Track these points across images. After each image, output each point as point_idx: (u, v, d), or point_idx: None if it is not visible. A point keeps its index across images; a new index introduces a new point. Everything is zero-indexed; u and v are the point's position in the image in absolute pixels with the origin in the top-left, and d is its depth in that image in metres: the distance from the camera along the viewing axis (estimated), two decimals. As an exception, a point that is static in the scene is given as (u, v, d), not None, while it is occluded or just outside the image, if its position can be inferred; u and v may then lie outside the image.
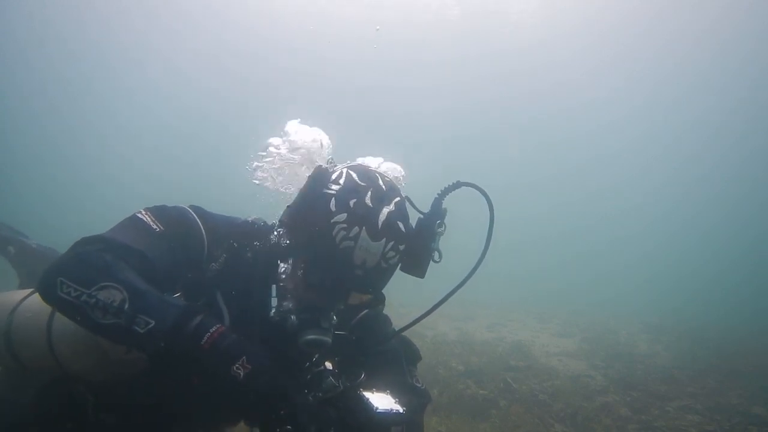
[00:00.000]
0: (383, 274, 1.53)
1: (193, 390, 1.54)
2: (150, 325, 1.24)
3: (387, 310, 1.97)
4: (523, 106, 32.65)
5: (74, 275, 1.31)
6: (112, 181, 39.70)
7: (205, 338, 1.26)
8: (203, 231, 1.58)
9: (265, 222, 1.77)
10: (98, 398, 1.64)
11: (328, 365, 1.69)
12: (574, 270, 31.04)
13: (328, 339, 1.51)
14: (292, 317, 1.51)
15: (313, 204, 1.51)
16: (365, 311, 1.85)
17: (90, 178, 40.51)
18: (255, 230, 1.71)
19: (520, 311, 13.48)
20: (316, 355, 1.64)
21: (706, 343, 9.25)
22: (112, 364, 1.50)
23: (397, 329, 1.91)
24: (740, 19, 22.33)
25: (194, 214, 1.61)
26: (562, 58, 28.10)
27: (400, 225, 1.52)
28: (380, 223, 1.47)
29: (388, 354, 1.85)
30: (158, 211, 1.57)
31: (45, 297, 1.35)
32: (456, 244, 1.75)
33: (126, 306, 1.25)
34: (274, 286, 1.58)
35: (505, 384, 6.10)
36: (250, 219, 1.76)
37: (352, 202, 1.48)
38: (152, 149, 38.31)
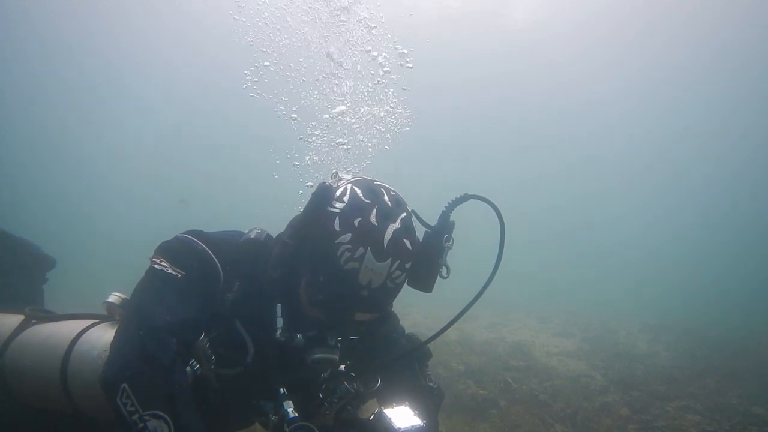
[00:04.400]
0: (389, 293, 1.51)
1: (213, 420, 1.55)
2: None
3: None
4: (523, 106, 32.68)
5: (137, 390, 1.30)
6: (111, 181, 39.70)
7: None
8: (218, 263, 1.56)
9: (268, 234, 1.73)
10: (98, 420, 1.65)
11: (342, 368, 1.70)
12: (574, 270, 31.04)
13: (335, 356, 1.52)
14: (299, 336, 1.51)
15: (316, 223, 1.48)
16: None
17: (90, 179, 40.50)
18: (262, 250, 1.67)
19: (520, 311, 13.47)
20: (329, 369, 1.64)
21: (706, 343, 9.25)
22: None
23: (406, 332, 1.93)
24: (739, 22, 22.34)
25: (203, 245, 1.57)
26: (562, 59, 28.12)
27: (407, 242, 1.48)
28: (386, 243, 1.43)
29: (400, 357, 1.84)
30: (169, 255, 1.54)
31: (105, 393, 1.35)
32: (464, 241, 1.75)
33: None
34: (278, 306, 1.57)
35: (505, 384, 6.10)
36: (252, 234, 1.70)
37: (356, 221, 1.44)
38: (155, 151, 38.30)
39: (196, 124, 36.39)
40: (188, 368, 1.41)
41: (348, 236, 1.42)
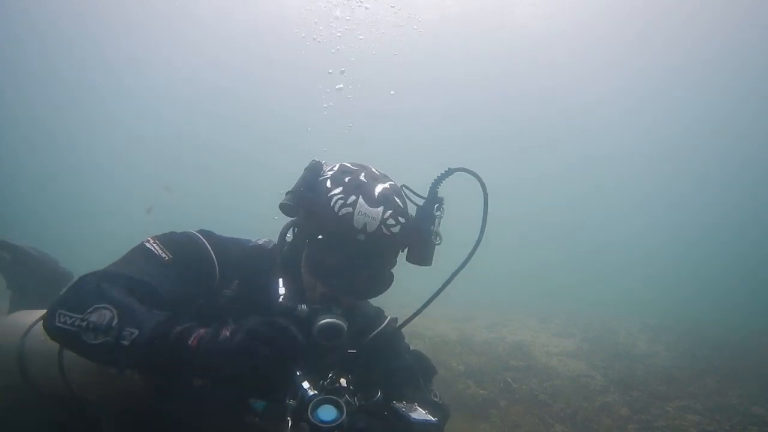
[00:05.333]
0: (386, 241, 1.54)
1: (200, 418, 1.53)
2: (134, 335, 1.19)
3: (388, 310, 1.97)
4: (524, 106, 32.62)
5: (70, 304, 1.30)
6: (111, 180, 39.69)
7: (192, 338, 1.20)
8: (214, 256, 1.57)
9: (275, 244, 1.74)
10: (109, 417, 1.62)
11: (343, 382, 1.66)
12: (574, 270, 31.03)
13: (344, 324, 1.49)
14: (302, 306, 1.51)
15: (310, 188, 1.58)
16: (378, 329, 1.83)
17: (89, 178, 40.51)
18: (267, 253, 1.69)
19: (520, 311, 13.47)
20: (332, 373, 1.59)
21: (706, 343, 9.24)
22: (119, 393, 1.48)
23: (399, 328, 1.90)
24: (739, 22, 22.33)
25: (204, 240, 1.59)
26: (563, 59, 28.06)
27: (397, 199, 1.57)
28: (376, 193, 1.53)
29: (403, 372, 1.83)
30: (166, 240, 1.56)
31: (47, 331, 1.34)
32: (456, 242, 1.77)
33: (114, 322, 1.22)
34: (281, 280, 1.58)
35: (505, 384, 6.11)
36: (260, 242, 1.73)
37: (346, 179, 1.56)
38: (156, 151, 38.28)
39: (196, 124, 36.40)
40: None
41: (339, 189, 1.53)
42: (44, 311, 1.90)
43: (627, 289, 23.20)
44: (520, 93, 31.49)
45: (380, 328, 1.84)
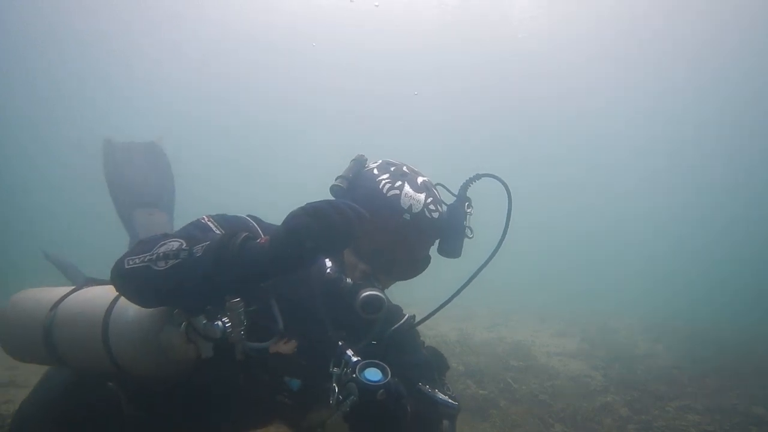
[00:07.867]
0: (428, 225, 1.66)
1: (234, 395, 1.59)
2: (204, 246, 1.31)
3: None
4: (528, 113, 32.41)
5: (137, 249, 1.42)
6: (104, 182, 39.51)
7: (259, 240, 1.33)
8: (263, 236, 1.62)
9: None
10: (130, 394, 1.63)
11: None
12: (575, 271, 30.97)
13: (384, 297, 1.59)
14: (348, 279, 1.62)
15: (358, 173, 1.74)
16: (398, 324, 1.90)
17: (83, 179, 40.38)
18: None
19: (521, 311, 13.49)
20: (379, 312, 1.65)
21: (706, 344, 9.26)
22: (169, 363, 1.48)
23: (417, 324, 1.97)
24: (746, 27, 22.24)
25: (254, 222, 1.70)
26: (565, 64, 27.89)
27: (435, 191, 1.73)
28: (419, 181, 1.70)
29: (421, 365, 1.89)
30: (220, 218, 1.67)
31: (115, 277, 1.42)
32: (474, 247, 1.83)
33: (183, 246, 1.33)
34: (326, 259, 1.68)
35: (505, 384, 6.11)
36: None
37: (392, 168, 1.72)
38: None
39: (195, 124, 36.39)
40: (219, 323, 1.40)
41: (386, 175, 1.69)
42: (67, 287, 1.87)
43: (628, 290, 23.18)
44: (520, 101, 31.20)
45: (400, 323, 1.92)
